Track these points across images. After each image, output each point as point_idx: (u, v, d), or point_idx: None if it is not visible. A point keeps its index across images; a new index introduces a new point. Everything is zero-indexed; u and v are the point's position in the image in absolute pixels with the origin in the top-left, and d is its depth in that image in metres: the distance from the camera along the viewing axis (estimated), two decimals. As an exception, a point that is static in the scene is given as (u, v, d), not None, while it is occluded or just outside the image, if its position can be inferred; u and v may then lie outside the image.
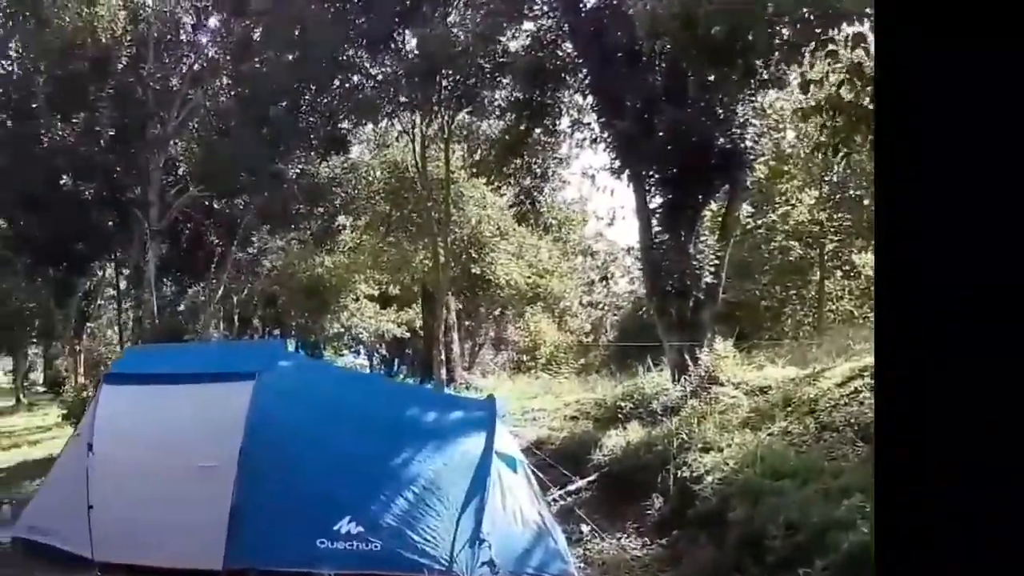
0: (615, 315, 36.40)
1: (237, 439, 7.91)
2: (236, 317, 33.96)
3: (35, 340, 39.01)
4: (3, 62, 20.17)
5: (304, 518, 7.58)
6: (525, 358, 31.84)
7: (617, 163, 14.60)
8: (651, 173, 14.22)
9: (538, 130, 17.75)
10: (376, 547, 7.30)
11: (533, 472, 9.13)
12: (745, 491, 7.64)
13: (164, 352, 13.49)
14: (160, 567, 8.02)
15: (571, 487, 11.09)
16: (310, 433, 8.35)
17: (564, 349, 31.93)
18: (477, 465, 7.85)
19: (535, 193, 19.67)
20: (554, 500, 10.46)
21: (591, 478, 11.43)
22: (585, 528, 9.50)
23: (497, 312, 35.86)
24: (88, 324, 35.04)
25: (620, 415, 13.46)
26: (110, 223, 20.47)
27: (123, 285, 25.85)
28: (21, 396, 33.90)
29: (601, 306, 37.44)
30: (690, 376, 12.42)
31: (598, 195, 29.92)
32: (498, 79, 17.41)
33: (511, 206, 20.95)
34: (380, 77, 18.38)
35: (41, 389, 38.60)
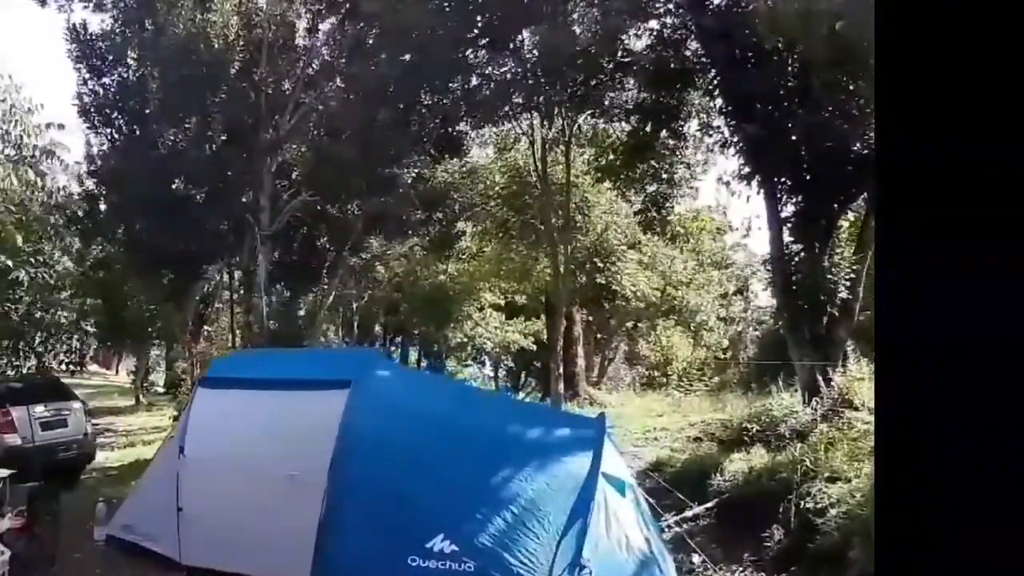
0: (755, 330, 35.82)
1: (328, 449, 8.08)
2: (356, 324, 34.79)
3: (156, 342, 40.37)
4: (120, 69, 21.19)
5: (396, 534, 7.65)
6: (656, 374, 31.50)
7: (747, 169, 14.44)
8: (783, 180, 14.08)
9: (664, 133, 17.70)
10: (470, 568, 7.27)
11: (645, 497, 9.07)
12: (869, 529, 7.40)
13: (261, 357, 14.01)
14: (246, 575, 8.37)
15: (687, 513, 11.12)
16: (404, 445, 8.39)
17: (697, 365, 31.44)
18: (582, 486, 7.70)
19: (662, 200, 19.42)
20: (667, 527, 10.47)
21: (709, 505, 11.46)
22: (697, 559, 9.48)
23: (629, 325, 35.71)
24: (205, 327, 36.53)
25: (746, 437, 13.47)
26: (222, 227, 21.21)
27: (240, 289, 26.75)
28: (141, 396, 35.46)
29: (739, 320, 36.77)
30: (822, 398, 12.25)
31: (735, 203, 28.97)
32: (621, 80, 17.40)
33: (636, 213, 20.71)
34: (498, 78, 18.50)
35: (161, 390, 40.13)
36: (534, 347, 32.79)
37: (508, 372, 41.48)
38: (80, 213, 22.33)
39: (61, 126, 20.46)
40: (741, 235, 36.87)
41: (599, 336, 36.90)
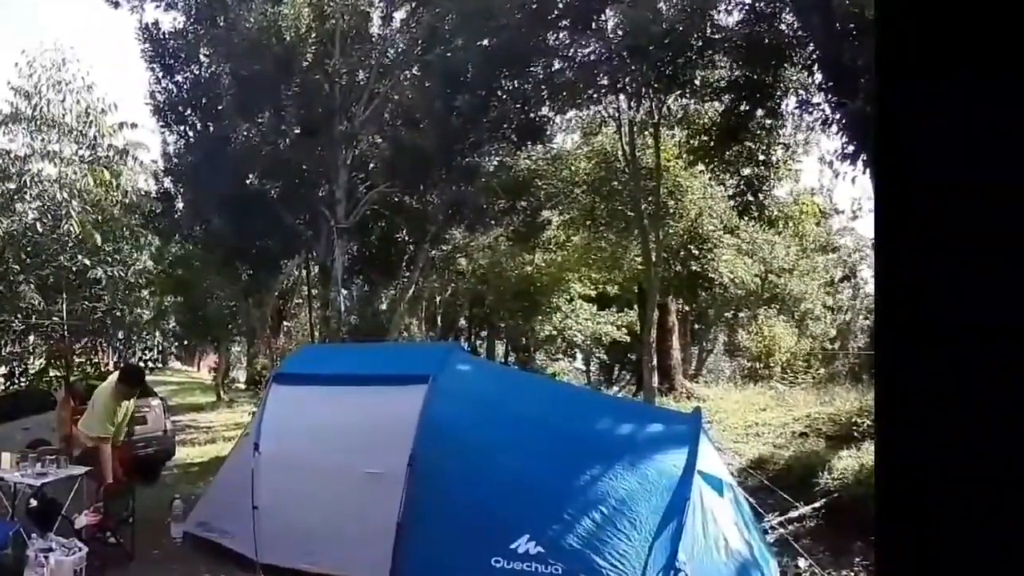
0: (866, 318, 35.13)
1: (407, 446, 8.22)
2: (439, 318, 35.08)
3: (236, 339, 41.92)
4: (192, 67, 21.74)
5: (478, 534, 7.73)
6: (758, 365, 31.21)
7: (851, 148, 13.93)
8: None
9: (760, 112, 17.41)
10: (557, 570, 7.33)
11: (745, 496, 9.06)
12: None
13: (337, 352, 14.29)
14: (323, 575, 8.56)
15: (792, 514, 10.97)
16: (487, 442, 8.53)
17: (803, 356, 31.08)
18: (676, 486, 7.69)
19: (759, 183, 19.00)
20: (770, 528, 10.37)
21: (816, 505, 11.31)
22: (803, 563, 9.41)
23: (728, 315, 35.38)
24: (285, 323, 37.28)
25: (856, 433, 13.34)
26: (298, 222, 21.53)
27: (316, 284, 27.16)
28: (222, 393, 36.90)
29: (847, 308, 36.07)
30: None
31: (840, 184, 28.18)
32: (712, 58, 17.11)
33: (731, 196, 20.41)
34: (581, 60, 18.40)
35: (242, 386, 41.09)
36: (627, 339, 32.71)
37: (600, 366, 41.43)
38: (157, 211, 22.88)
39: (134, 125, 21.23)
40: (848, 218, 36.19)
41: (696, 327, 36.65)
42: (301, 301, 34.63)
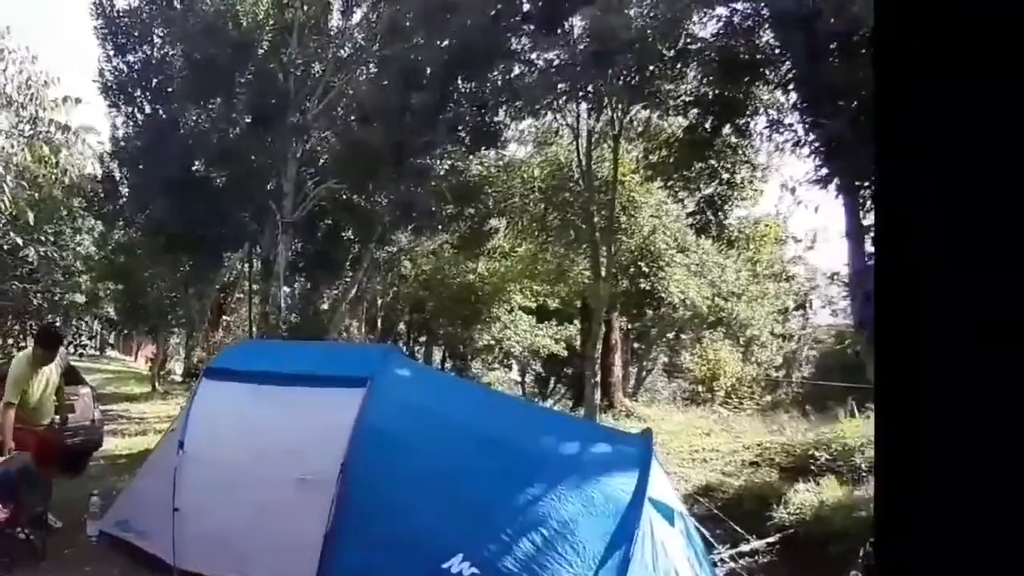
0: (812, 349, 35.16)
1: (340, 452, 7.72)
2: (379, 321, 34.79)
3: (175, 329, 40.93)
4: (145, 47, 21.19)
5: (409, 550, 7.25)
6: (701, 388, 31.14)
7: (824, 171, 13.53)
8: (868, 184, 13.05)
9: (727, 130, 16.97)
10: None
11: (696, 527, 8.54)
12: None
13: (273, 348, 13.55)
14: (241, 585, 8.01)
15: (743, 548, 10.52)
16: (424, 453, 8.01)
17: (747, 382, 31.04)
18: (624, 511, 7.15)
19: (720, 202, 18.68)
20: (720, 561, 9.86)
21: (771, 539, 10.88)
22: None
23: (671, 335, 35.23)
24: (224, 317, 36.83)
25: (813, 466, 12.91)
26: (243, 213, 21.12)
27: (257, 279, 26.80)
28: (157, 384, 35.43)
29: (796, 338, 36.15)
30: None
31: (799, 212, 28.29)
32: (681, 70, 16.70)
33: (689, 214, 20.03)
34: (543, 65, 17.94)
35: (179, 379, 40.44)
36: (565, 353, 32.56)
37: (536, 378, 41.29)
38: (100, 195, 22.32)
39: (78, 100, 20.54)
40: (805, 247, 36.13)
41: (636, 346, 36.54)
42: (243, 296, 34.05)
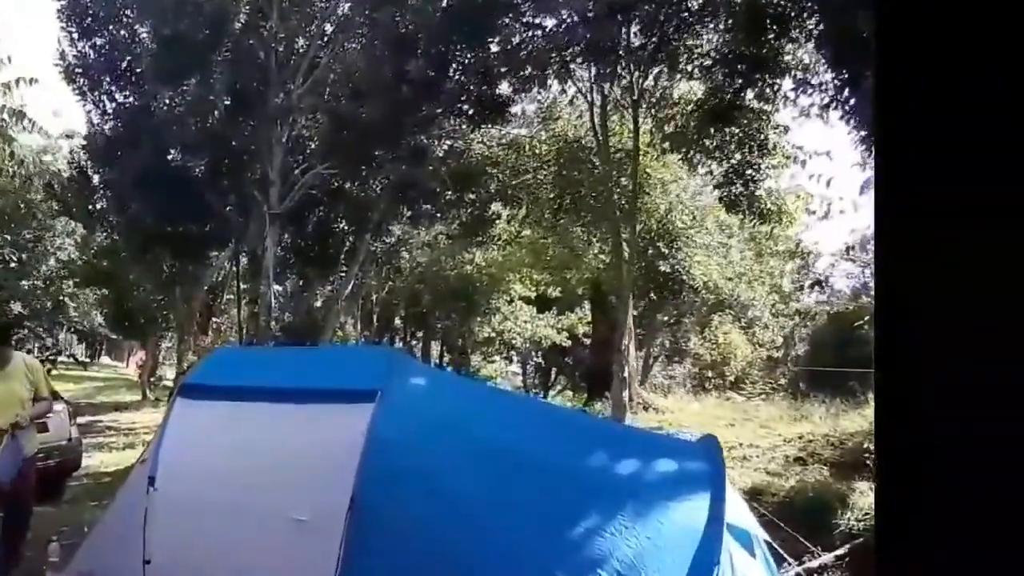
0: (805, 328, 34.41)
1: (347, 485, 6.25)
2: (375, 317, 34.00)
3: (166, 334, 40.42)
4: (111, 26, 19.80)
5: None
6: (710, 374, 30.08)
7: (862, 132, 12.83)
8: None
9: (750, 94, 16.02)
10: None
11: (772, 547, 7.15)
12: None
13: (259, 357, 12.15)
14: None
15: (811, 564, 9.18)
16: (449, 481, 6.59)
17: (758, 366, 30.06)
18: (700, 543, 5.83)
19: (750, 171, 17.60)
20: (789, 581, 8.65)
21: (840, 552, 9.63)
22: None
23: (672, 319, 34.31)
24: (214, 319, 36.14)
25: (868, 461, 11.77)
26: (226, 206, 19.83)
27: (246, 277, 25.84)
28: (148, 391, 34.92)
29: (813, 314, 35.13)
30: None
31: (811, 185, 27.09)
32: (701, 28, 15.50)
33: (717, 186, 18.81)
34: (550, 27, 16.85)
35: (170, 385, 40.15)
36: (568, 343, 32.14)
37: (536, 369, 40.92)
38: (68, 194, 21.13)
39: (33, 80, 19.14)
40: (818, 218, 35.33)
41: (639, 332, 35.77)
42: (232, 297, 33.23)
